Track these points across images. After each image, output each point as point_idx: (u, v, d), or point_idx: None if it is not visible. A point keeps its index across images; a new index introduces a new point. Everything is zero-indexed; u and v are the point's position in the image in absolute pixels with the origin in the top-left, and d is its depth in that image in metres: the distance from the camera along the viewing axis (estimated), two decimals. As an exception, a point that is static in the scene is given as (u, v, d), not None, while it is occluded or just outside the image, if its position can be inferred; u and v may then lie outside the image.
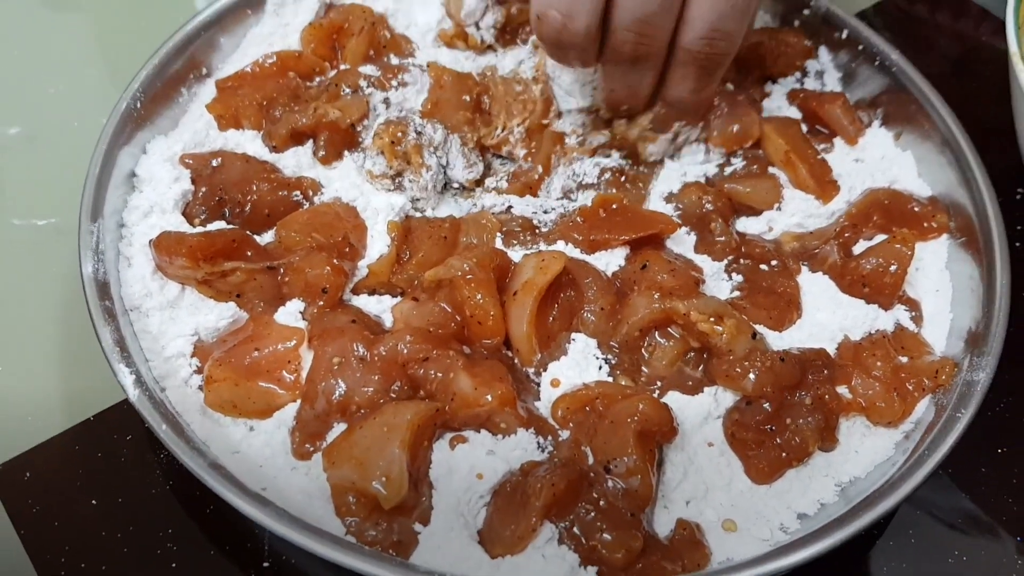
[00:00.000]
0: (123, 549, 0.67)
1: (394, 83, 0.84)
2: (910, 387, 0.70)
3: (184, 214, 0.75)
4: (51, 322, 0.79)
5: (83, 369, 0.76)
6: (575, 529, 0.60)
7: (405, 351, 0.65)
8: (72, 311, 0.77)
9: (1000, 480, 0.74)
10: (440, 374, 0.65)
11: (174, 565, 0.67)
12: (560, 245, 0.76)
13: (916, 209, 0.80)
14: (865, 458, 0.69)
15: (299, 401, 0.66)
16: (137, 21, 1.02)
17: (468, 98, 0.81)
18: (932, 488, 0.73)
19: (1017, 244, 0.80)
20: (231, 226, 0.74)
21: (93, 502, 0.69)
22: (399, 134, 0.77)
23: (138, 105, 0.78)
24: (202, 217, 0.75)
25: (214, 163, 0.76)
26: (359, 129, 0.81)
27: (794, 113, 0.86)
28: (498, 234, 0.77)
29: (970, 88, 0.96)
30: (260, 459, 0.65)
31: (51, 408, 0.74)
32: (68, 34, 1.01)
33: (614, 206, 0.76)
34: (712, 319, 0.69)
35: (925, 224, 0.80)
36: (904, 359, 0.72)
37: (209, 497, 0.60)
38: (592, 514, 0.61)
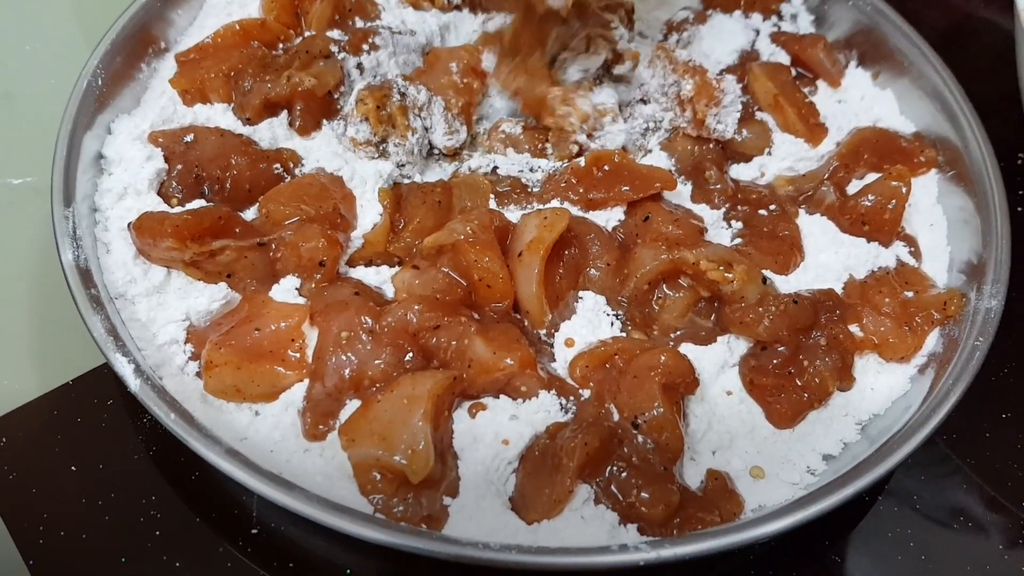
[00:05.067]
0: (104, 517, 0.64)
1: (365, 47, 0.80)
2: (919, 320, 0.70)
3: (160, 194, 0.71)
4: (27, 283, 0.76)
5: (61, 331, 0.72)
6: (612, 488, 0.59)
7: (415, 320, 0.63)
8: (48, 271, 0.73)
9: (1004, 445, 0.74)
10: (454, 342, 0.62)
11: (158, 533, 0.64)
12: (555, 204, 0.74)
13: (904, 145, 0.80)
14: (881, 395, 0.68)
15: (307, 380, 0.63)
16: None
17: (456, 65, 0.78)
18: (934, 453, 0.72)
19: (1020, 209, 0.79)
20: (212, 203, 0.70)
21: (72, 469, 0.66)
22: (383, 98, 0.73)
23: (99, 83, 0.73)
24: (179, 196, 0.71)
25: (187, 139, 0.72)
26: (336, 96, 0.77)
27: (783, 57, 0.85)
28: (491, 195, 0.74)
29: (963, 58, 0.94)
30: (270, 444, 0.62)
31: (28, 371, 0.71)
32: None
33: (606, 167, 0.74)
34: (721, 267, 0.67)
35: (914, 160, 0.80)
36: (910, 294, 0.72)
37: (194, 463, 0.57)
38: (625, 472, 0.59)
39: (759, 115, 0.81)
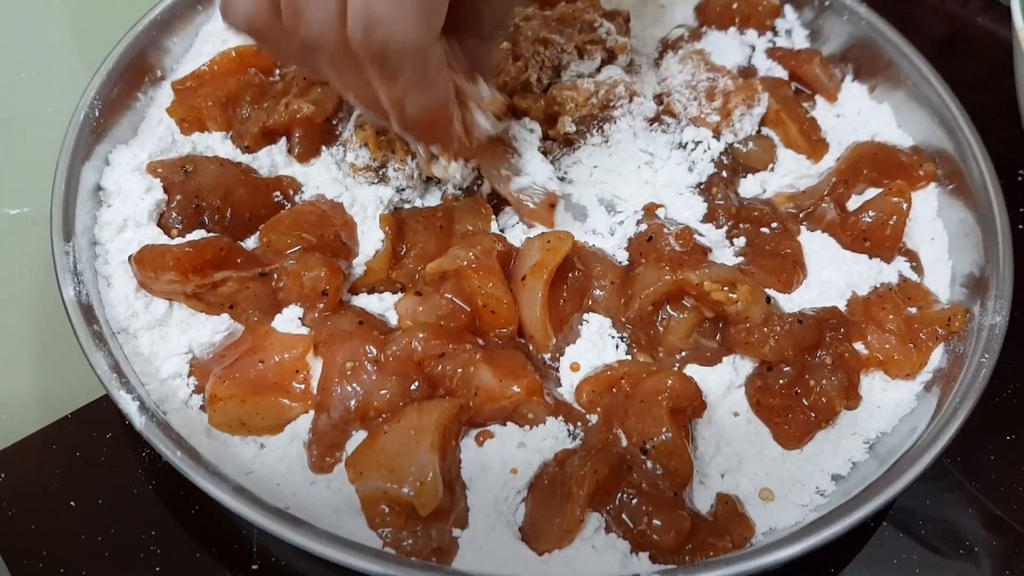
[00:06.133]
0: (104, 553, 0.64)
1: (362, 71, 0.80)
2: (923, 337, 0.70)
3: (160, 225, 0.70)
4: (25, 314, 0.75)
5: (60, 364, 0.72)
6: (623, 516, 0.58)
7: (420, 349, 0.62)
8: (46, 303, 0.72)
9: (1009, 468, 0.73)
10: (460, 369, 0.62)
11: (158, 569, 0.63)
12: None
13: (903, 159, 0.80)
14: (888, 412, 0.68)
15: (312, 412, 0.63)
16: (110, 5, 0.97)
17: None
18: (938, 476, 0.72)
19: (1021, 227, 0.80)
20: (212, 234, 0.69)
21: (72, 504, 0.66)
22: (382, 123, 0.73)
23: (96, 114, 0.73)
24: (179, 227, 0.70)
25: (186, 169, 0.72)
26: (334, 122, 0.77)
27: (780, 72, 0.85)
28: (492, 219, 0.74)
29: (959, 71, 0.93)
30: (276, 477, 0.61)
31: (26, 405, 0.71)
32: (41, 19, 0.98)
33: None
34: (725, 287, 0.67)
35: (913, 174, 0.80)
36: (913, 310, 0.71)
37: (193, 496, 0.57)
38: (635, 499, 0.59)
39: (764, 130, 0.81)
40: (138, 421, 0.58)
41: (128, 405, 0.58)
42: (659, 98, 0.82)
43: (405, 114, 0.63)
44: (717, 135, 0.79)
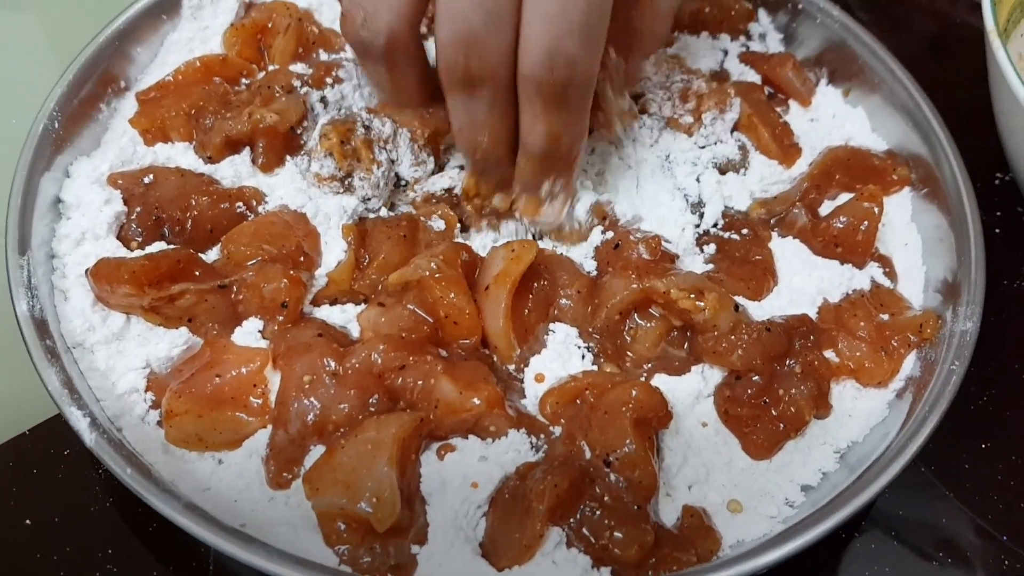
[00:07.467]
0: (59, 572, 0.63)
1: (328, 80, 0.79)
2: (895, 344, 0.69)
3: (119, 238, 0.69)
4: None
5: (18, 380, 0.69)
6: (584, 530, 0.57)
7: (380, 361, 0.61)
8: (3, 318, 0.70)
9: (984, 476, 0.72)
10: (420, 382, 0.61)
11: None
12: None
13: (876, 163, 0.79)
14: (859, 421, 0.67)
15: (270, 427, 0.62)
16: (82, 16, 0.96)
17: None
18: (914, 485, 0.71)
19: (997, 231, 0.78)
20: (172, 246, 0.68)
21: (27, 522, 0.65)
22: (347, 132, 0.72)
23: (56, 125, 0.72)
24: (139, 239, 0.69)
25: (146, 180, 0.71)
26: (299, 131, 0.76)
27: (753, 77, 0.84)
28: (456, 227, 0.73)
29: (947, 70, 0.92)
30: (233, 493, 0.60)
31: None
32: (9, 30, 0.97)
33: None
34: (692, 295, 0.66)
35: (887, 178, 0.79)
36: (885, 316, 0.70)
37: (151, 514, 0.55)
38: (598, 512, 0.58)
39: (736, 135, 0.80)
40: (88, 437, 0.57)
41: (78, 421, 0.57)
42: (633, 99, 0.81)
43: (559, 145, 0.64)
44: (689, 136, 0.79)
